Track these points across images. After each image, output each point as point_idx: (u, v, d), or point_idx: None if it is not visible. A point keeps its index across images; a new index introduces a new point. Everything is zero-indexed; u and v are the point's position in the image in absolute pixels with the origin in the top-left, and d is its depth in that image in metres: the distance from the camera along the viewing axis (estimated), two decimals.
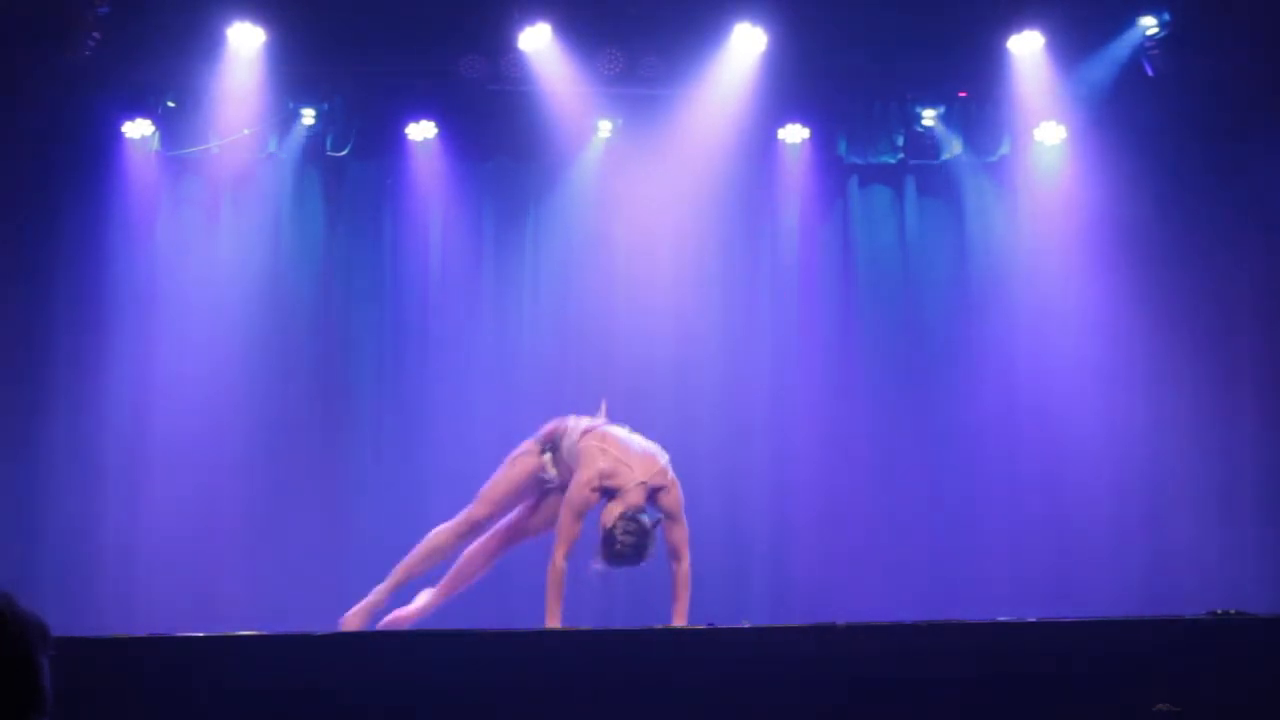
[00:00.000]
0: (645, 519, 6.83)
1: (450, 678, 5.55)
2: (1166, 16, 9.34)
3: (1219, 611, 6.04)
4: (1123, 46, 9.52)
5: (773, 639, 6.00)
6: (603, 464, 6.91)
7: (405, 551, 9.58)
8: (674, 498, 7.02)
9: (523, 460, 7.25)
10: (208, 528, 9.48)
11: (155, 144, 9.65)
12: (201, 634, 6.23)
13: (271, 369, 9.72)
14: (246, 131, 9.54)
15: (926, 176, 10.20)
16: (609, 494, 6.90)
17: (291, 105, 9.68)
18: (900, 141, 9.97)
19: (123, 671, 5.48)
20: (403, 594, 7.50)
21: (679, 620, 6.86)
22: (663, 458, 7.04)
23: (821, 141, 10.01)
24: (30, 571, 9.01)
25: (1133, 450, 9.94)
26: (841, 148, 10.02)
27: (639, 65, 9.49)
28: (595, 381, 9.90)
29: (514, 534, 7.40)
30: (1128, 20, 9.46)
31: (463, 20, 9.29)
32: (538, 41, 9.32)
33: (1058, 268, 10.05)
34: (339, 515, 9.64)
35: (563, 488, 7.07)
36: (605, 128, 9.92)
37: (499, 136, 9.82)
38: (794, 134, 9.98)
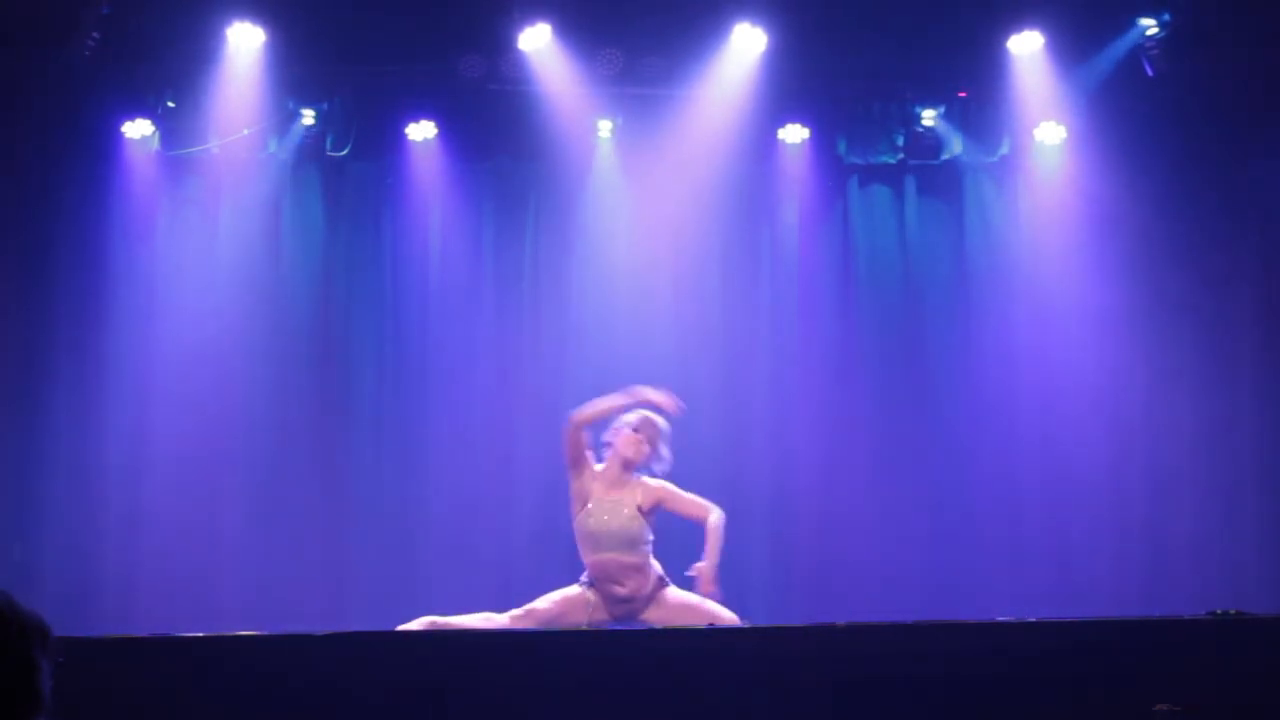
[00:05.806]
0: None
1: (450, 677, 5.55)
2: (1166, 16, 9.34)
3: (1219, 611, 6.04)
4: (1122, 47, 9.52)
5: (773, 639, 6.00)
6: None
7: (404, 552, 9.62)
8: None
9: None
10: (208, 528, 9.48)
11: (155, 144, 9.64)
12: (201, 634, 6.23)
13: (271, 369, 9.71)
14: (246, 131, 9.52)
15: (926, 176, 10.20)
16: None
17: (291, 105, 9.68)
18: (900, 141, 9.97)
19: (123, 671, 5.48)
20: None
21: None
22: None
23: (821, 141, 10.00)
24: (30, 571, 9.02)
25: (1133, 450, 9.94)
26: (841, 148, 10.01)
27: (639, 65, 9.48)
28: (595, 381, 9.91)
29: None
30: (1128, 20, 9.46)
31: (463, 20, 9.28)
32: (537, 41, 9.32)
33: (1057, 267, 10.05)
34: (339, 515, 9.64)
35: None
36: (605, 128, 9.92)
37: (499, 136, 9.82)
38: (794, 134, 9.97)
